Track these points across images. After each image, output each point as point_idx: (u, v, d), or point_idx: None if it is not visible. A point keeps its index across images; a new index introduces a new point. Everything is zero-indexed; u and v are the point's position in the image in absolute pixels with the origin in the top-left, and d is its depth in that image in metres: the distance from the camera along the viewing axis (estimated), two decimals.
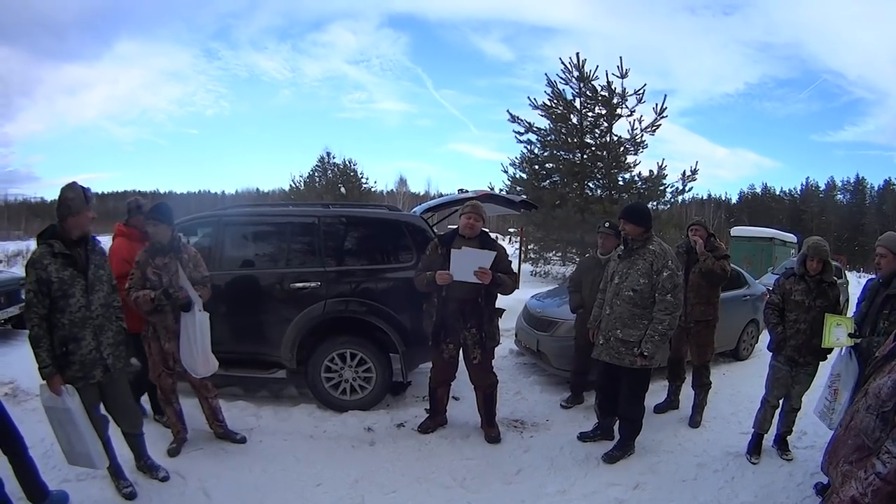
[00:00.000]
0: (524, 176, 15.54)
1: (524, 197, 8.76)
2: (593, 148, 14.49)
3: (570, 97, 14.30)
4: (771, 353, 4.05)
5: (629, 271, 3.83)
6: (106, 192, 72.22)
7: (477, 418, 4.37)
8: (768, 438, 4.15)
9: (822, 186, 62.09)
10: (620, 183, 14.43)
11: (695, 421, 4.69)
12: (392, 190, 48.43)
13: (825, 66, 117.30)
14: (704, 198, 57.02)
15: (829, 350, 3.74)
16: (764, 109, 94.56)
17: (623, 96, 13.60)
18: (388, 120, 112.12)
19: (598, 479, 3.70)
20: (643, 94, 13.56)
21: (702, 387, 4.76)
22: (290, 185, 26.93)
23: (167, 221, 3.66)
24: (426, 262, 4.09)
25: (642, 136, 13.90)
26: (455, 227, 4.21)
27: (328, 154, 26.07)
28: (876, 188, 59.42)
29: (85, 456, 3.01)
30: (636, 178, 14.35)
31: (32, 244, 3.65)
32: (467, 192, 5.72)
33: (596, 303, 4.21)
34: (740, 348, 6.95)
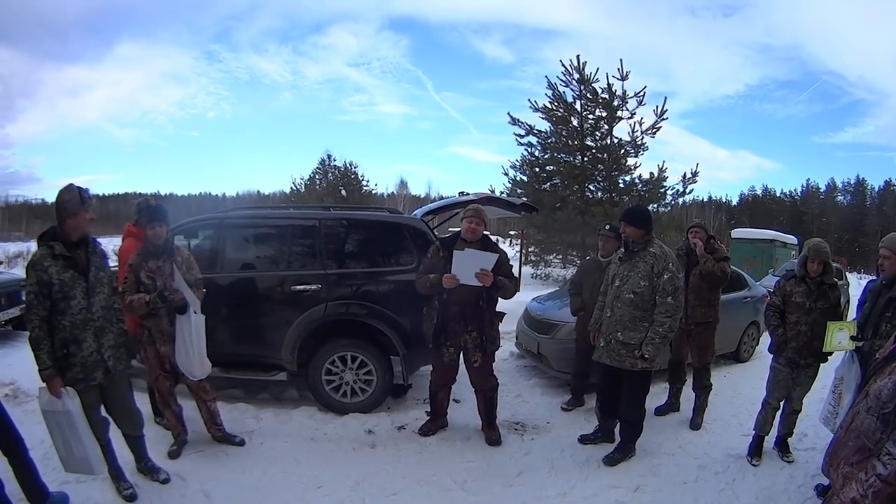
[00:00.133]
0: (525, 178, 15.55)
1: (525, 199, 8.76)
2: (594, 150, 14.51)
3: (570, 99, 14.34)
4: (772, 355, 4.05)
5: (630, 274, 3.83)
6: (107, 194, 72.54)
7: (478, 421, 4.36)
8: (769, 440, 4.15)
9: (823, 188, 62.34)
10: (621, 185, 14.44)
11: (695, 423, 4.69)
12: (393, 192, 48.59)
13: (825, 67, 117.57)
14: (705, 200, 57.34)
15: (830, 352, 3.74)
16: (764, 111, 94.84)
17: (623, 98, 13.62)
18: (388, 122, 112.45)
19: (598, 482, 3.70)
20: (644, 96, 13.60)
21: (702, 389, 4.76)
22: (291, 188, 26.99)
23: (168, 223, 3.68)
24: (428, 265, 4.10)
25: (643, 138, 13.93)
26: (457, 230, 4.21)
27: (329, 156, 26.19)
28: (876, 189, 59.63)
29: (83, 461, 2.99)
30: (637, 180, 14.36)
31: (33, 245, 3.65)
32: (468, 194, 5.72)
33: (597, 305, 4.22)
34: (741, 350, 6.94)
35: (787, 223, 50.63)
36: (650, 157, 41.07)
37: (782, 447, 4.12)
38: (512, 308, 5.25)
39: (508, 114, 14.82)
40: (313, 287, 4.60)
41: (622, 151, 14.16)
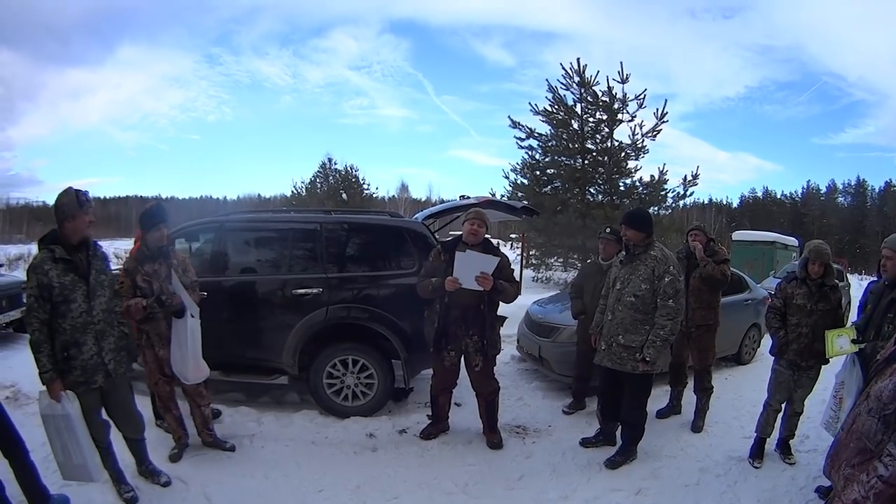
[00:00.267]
0: (525, 182, 15.57)
1: (526, 203, 8.76)
2: (594, 153, 14.52)
3: (571, 103, 14.35)
4: (773, 358, 4.05)
5: (631, 277, 3.84)
6: (108, 197, 72.89)
7: (479, 424, 4.36)
8: (771, 442, 4.14)
9: (824, 189, 62.43)
10: (622, 188, 14.46)
11: (697, 426, 4.68)
12: (394, 196, 48.61)
13: (825, 68, 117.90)
14: (705, 202, 57.38)
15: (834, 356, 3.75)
16: (764, 113, 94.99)
17: (624, 101, 13.65)
18: (389, 126, 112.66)
19: (600, 485, 3.69)
20: (644, 98, 13.63)
21: (703, 391, 4.75)
22: (292, 191, 27.06)
23: (168, 223, 3.68)
24: (429, 269, 4.10)
25: (643, 141, 13.95)
26: (459, 233, 4.21)
27: (330, 160, 26.24)
28: (877, 190, 59.62)
29: (81, 468, 2.99)
30: (637, 183, 14.37)
31: (34, 248, 3.66)
32: (469, 198, 5.74)
33: (598, 308, 4.22)
34: (742, 353, 6.94)
35: (787, 225, 50.69)
36: (651, 159, 41.11)
37: (784, 449, 4.12)
38: (513, 311, 5.25)
39: (509, 117, 14.89)
40: (314, 291, 4.61)
41: (623, 154, 14.17)
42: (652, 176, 14.13)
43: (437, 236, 5.03)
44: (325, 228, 4.80)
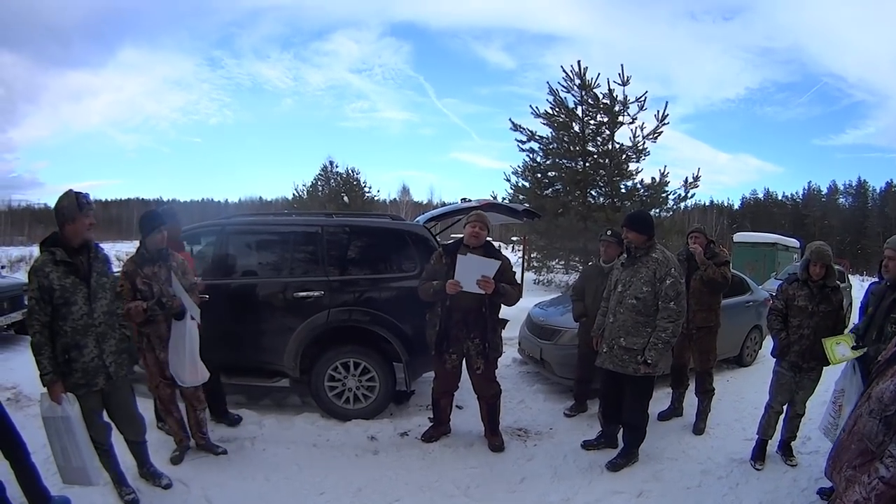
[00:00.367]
0: (527, 184, 15.58)
1: (527, 205, 8.78)
2: (595, 156, 14.52)
3: (571, 105, 14.36)
4: (775, 359, 4.05)
5: (632, 279, 3.84)
6: (109, 200, 73.15)
7: (480, 427, 4.36)
8: (772, 444, 4.14)
9: (825, 190, 62.39)
10: (623, 190, 14.46)
11: (698, 428, 4.68)
12: (395, 199, 48.68)
13: (825, 69, 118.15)
14: (707, 204, 57.35)
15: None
16: (765, 114, 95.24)
17: (625, 104, 13.65)
18: (390, 129, 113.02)
19: (601, 487, 3.69)
20: (645, 101, 13.63)
21: (705, 393, 4.75)
22: (294, 194, 27.04)
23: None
24: (430, 272, 4.10)
25: (644, 143, 13.95)
26: (460, 236, 4.21)
27: (331, 163, 26.23)
28: (878, 191, 59.62)
29: (80, 471, 2.99)
30: (638, 185, 14.37)
31: (35, 250, 3.67)
32: (470, 201, 5.74)
33: (599, 311, 4.22)
34: (744, 354, 6.93)
35: (788, 226, 50.68)
36: (652, 161, 41.13)
37: (786, 451, 4.11)
38: (514, 314, 5.26)
39: (510, 120, 14.90)
40: (316, 293, 4.61)
41: (624, 157, 14.18)
42: (653, 178, 14.15)
43: (438, 239, 5.04)
44: (326, 231, 4.81)
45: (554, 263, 16.37)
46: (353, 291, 4.67)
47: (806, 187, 63.43)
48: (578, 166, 14.55)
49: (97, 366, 3.00)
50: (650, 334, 3.74)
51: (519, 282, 4.30)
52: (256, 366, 4.76)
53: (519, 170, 15.69)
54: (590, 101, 14.01)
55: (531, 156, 15.31)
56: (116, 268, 3.47)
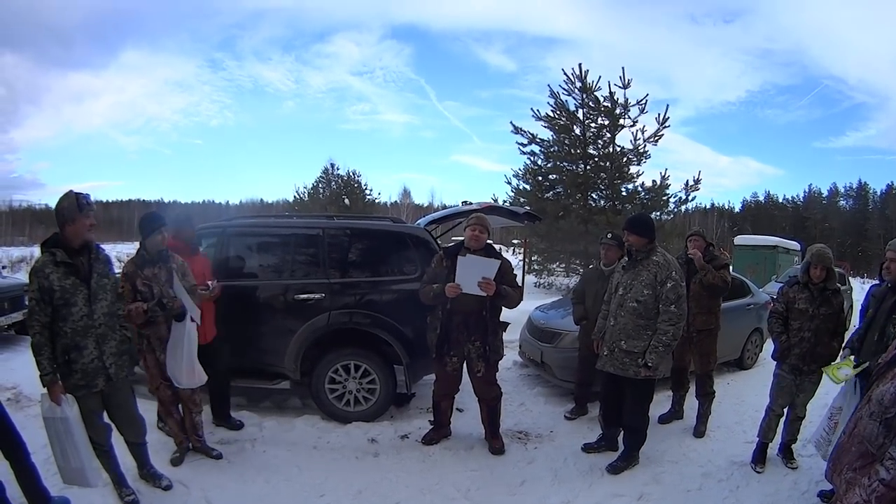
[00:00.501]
0: (528, 187, 15.55)
1: (528, 208, 8.78)
2: (596, 159, 14.51)
3: (572, 108, 14.34)
4: (775, 362, 4.05)
5: (633, 282, 3.84)
6: (110, 201, 73.28)
7: (481, 429, 4.36)
8: (773, 447, 4.14)
9: (825, 193, 62.37)
10: (624, 193, 14.43)
11: (699, 431, 4.68)
12: (396, 201, 48.72)
13: (826, 71, 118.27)
14: (707, 207, 57.26)
15: (834, 358, 3.74)
16: (766, 117, 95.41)
17: (625, 106, 13.63)
18: (391, 131, 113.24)
19: (602, 490, 3.69)
20: (645, 104, 13.60)
21: (705, 396, 4.75)
22: (295, 197, 27.06)
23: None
24: (431, 275, 4.10)
25: (645, 146, 13.92)
26: (461, 239, 4.21)
27: (332, 165, 26.21)
28: (878, 193, 59.59)
29: (79, 472, 2.99)
30: (639, 188, 14.35)
31: (36, 250, 3.67)
32: (471, 203, 5.74)
33: (600, 314, 4.22)
34: (744, 357, 6.92)
35: (789, 229, 50.62)
36: (652, 164, 41.15)
37: (786, 454, 4.11)
38: (515, 317, 5.26)
39: (511, 123, 14.88)
40: (316, 296, 4.62)
41: (625, 159, 14.16)
42: (654, 181, 14.11)
43: (439, 242, 5.04)
44: (327, 234, 4.81)
45: (555, 266, 16.35)
46: (354, 294, 4.68)
47: (806, 190, 63.51)
48: (579, 169, 14.53)
49: (97, 367, 3.00)
50: (651, 337, 3.74)
51: (520, 284, 4.30)
52: (257, 368, 4.76)
53: (520, 173, 15.67)
54: (591, 103, 14.00)
55: (532, 159, 15.29)
56: (118, 269, 3.47)
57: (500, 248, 7.09)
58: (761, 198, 66.60)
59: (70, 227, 2.92)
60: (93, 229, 3.01)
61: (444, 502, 3.52)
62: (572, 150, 14.54)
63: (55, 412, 2.89)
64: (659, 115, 13.70)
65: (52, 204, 3.07)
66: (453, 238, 6.88)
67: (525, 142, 15.01)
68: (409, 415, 4.93)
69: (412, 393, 4.95)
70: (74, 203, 2.92)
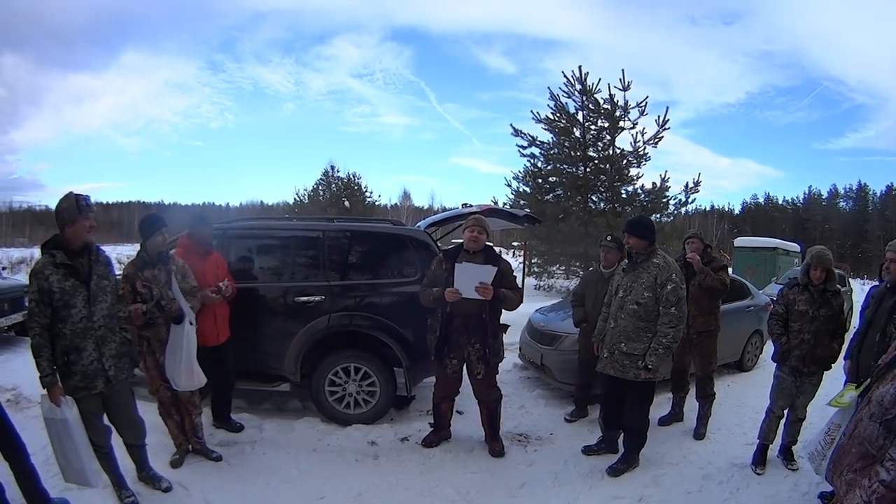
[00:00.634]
0: (527, 190, 15.55)
1: (528, 211, 8.79)
2: (596, 161, 14.51)
3: (572, 110, 14.34)
4: (775, 364, 4.05)
5: (633, 285, 3.84)
6: (110, 202, 73.33)
7: (481, 432, 4.36)
8: (773, 449, 4.13)
9: (825, 194, 62.40)
10: (623, 196, 14.43)
11: (699, 433, 4.67)
12: (396, 204, 48.75)
13: (825, 72, 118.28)
14: (707, 209, 57.22)
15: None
16: (765, 118, 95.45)
17: (625, 109, 13.64)
18: (391, 134, 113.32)
19: (602, 493, 3.68)
20: (645, 106, 13.61)
21: (706, 398, 4.74)
22: (295, 199, 27.09)
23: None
24: (431, 278, 4.11)
25: (645, 148, 13.92)
26: (460, 241, 4.22)
27: (332, 167, 26.23)
28: (878, 194, 59.59)
29: (80, 472, 2.99)
30: (639, 190, 14.35)
31: (36, 252, 3.68)
32: (471, 206, 5.74)
33: (600, 316, 4.22)
34: (745, 359, 6.92)
35: (789, 231, 50.63)
36: (652, 166, 41.03)
37: (786, 455, 4.10)
38: (515, 319, 5.25)
39: (511, 125, 14.87)
40: (317, 298, 4.62)
41: (624, 162, 14.15)
42: (654, 183, 14.12)
43: (439, 244, 5.04)
44: (327, 236, 4.81)
45: (555, 269, 16.34)
46: (354, 296, 4.68)
47: (806, 191, 63.56)
48: (579, 171, 14.54)
49: (96, 369, 3.00)
50: (651, 339, 3.74)
51: (520, 287, 4.30)
52: (257, 370, 4.76)
53: (520, 175, 15.67)
54: (591, 106, 14.01)
55: (532, 161, 15.29)
56: (118, 270, 3.47)
57: (500, 251, 7.08)
58: (761, 199, 66.71)
59: (70, 229, 2.93)
60: (93, 231, 3.01)
61: None
62: (572, 153, 14.55)
63: (55, 413, 2.89)
64: (659, 117, 13.72)
65: (53, 205, 3.07)
66: (453, 240, 6.88)
67: (525, 144, 15.01)
68: (409, 417, 4.92)
69: (412, 395, 4.94)
70: (74, 204, 2.92)
